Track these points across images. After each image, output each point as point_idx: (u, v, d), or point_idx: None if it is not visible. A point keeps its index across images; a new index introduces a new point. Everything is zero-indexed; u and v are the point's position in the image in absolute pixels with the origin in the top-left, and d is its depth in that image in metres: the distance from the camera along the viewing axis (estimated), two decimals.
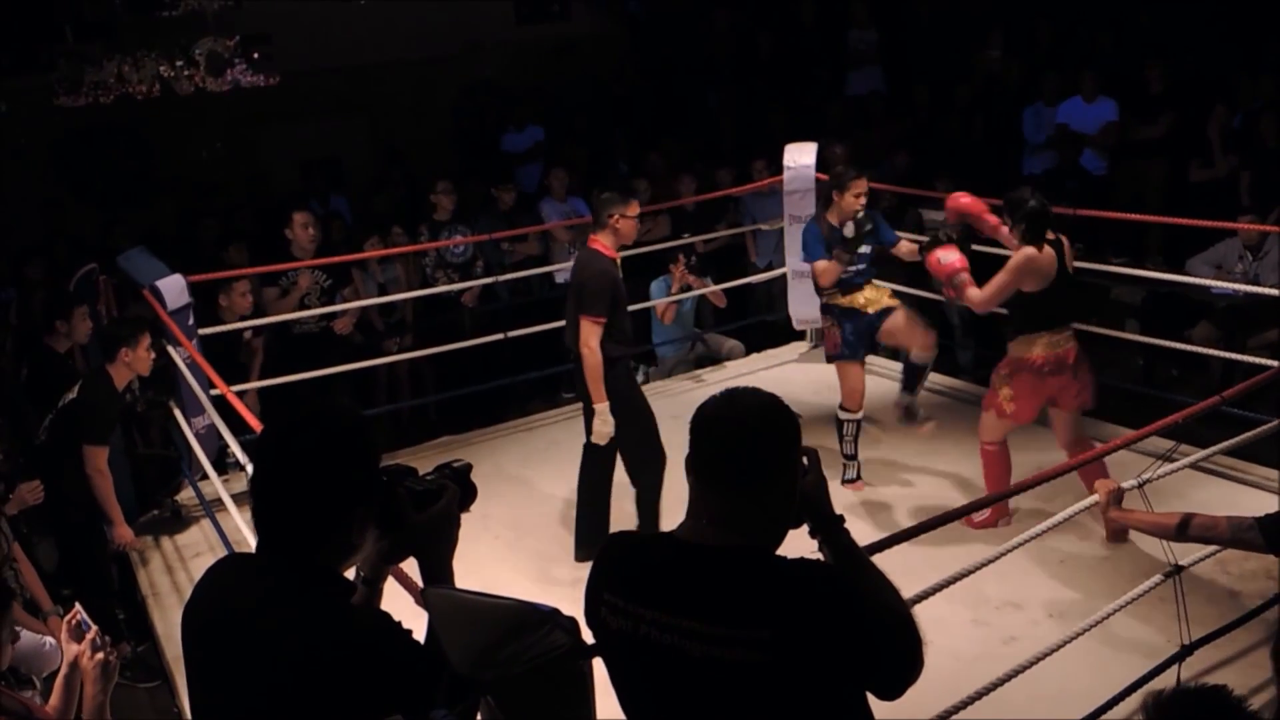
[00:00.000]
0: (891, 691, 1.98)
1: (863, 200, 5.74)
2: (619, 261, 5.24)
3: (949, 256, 5.25)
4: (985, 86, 9.65)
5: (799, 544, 2.10)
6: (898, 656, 1.97)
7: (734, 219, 8.64)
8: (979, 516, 5.21)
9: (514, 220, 8.36)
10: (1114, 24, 9.38)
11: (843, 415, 5.96)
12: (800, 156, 7.66)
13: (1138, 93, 8.48)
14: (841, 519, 2.13)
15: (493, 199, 8.52)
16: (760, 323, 8.66)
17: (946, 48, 10.26)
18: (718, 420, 2.02)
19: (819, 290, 5.92)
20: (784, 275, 7.93)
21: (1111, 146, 8.37)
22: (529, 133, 10.03)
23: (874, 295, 5.91)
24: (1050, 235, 5.02)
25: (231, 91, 8.94)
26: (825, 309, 5.96)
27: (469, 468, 2.14)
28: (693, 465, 2.03)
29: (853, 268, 5.78)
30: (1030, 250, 4.95)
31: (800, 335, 8.18)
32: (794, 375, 7.58)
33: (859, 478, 6.00)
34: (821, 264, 5.73)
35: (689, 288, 7.64)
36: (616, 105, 11.18)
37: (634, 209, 5.18)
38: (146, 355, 5.51)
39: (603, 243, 5.14)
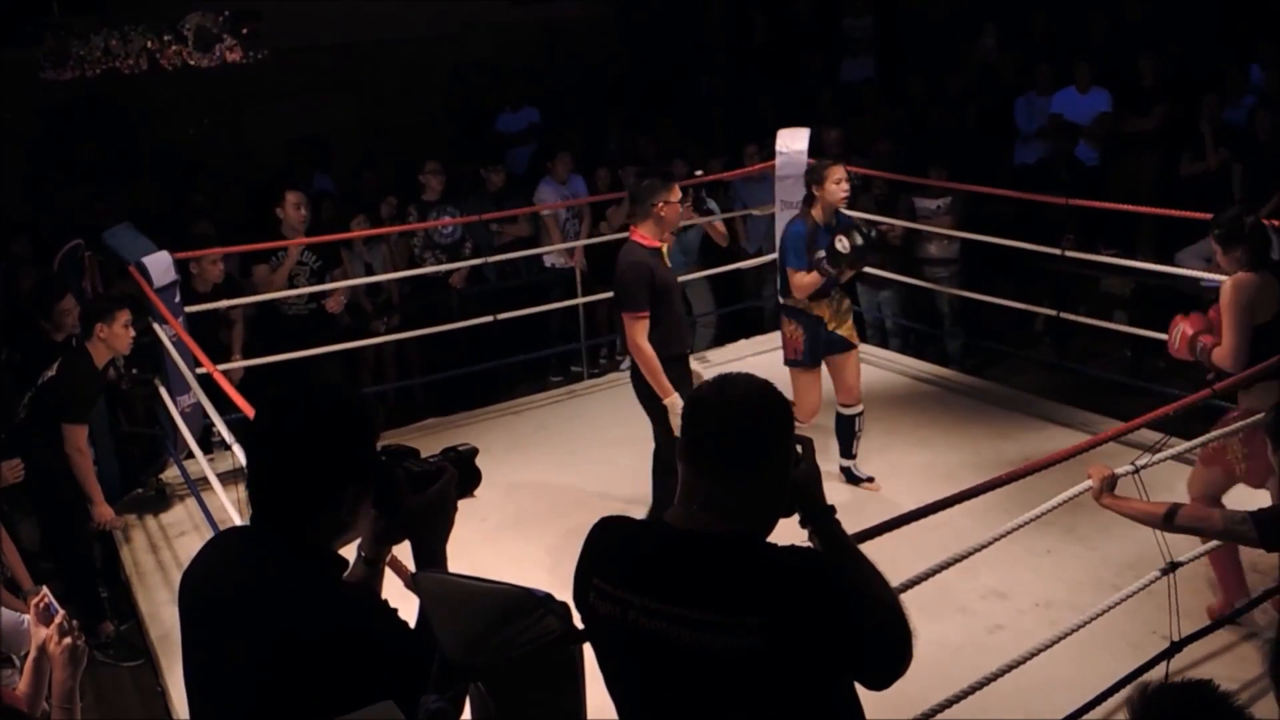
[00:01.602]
0: (880, 683, 1.97)
1: (845, 187, 5.61)
2: (665, 250, 5.02)
3: (1181, 329, 4.67)
4: (979, 75, 9.64)
5: (789, 533, 2.08)
6: (887, 648, 1.96)
7: (724, 204, 8.62)
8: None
9: (503, 202, 8.31)
10: (1107, 15, 9.38)
11: None
12: (793, 142, 7.64)
13: (1131, 85, 8.48)
14: (833, 509, 2.13)
15: (482, 180, 8.48)
16: (750, 308, 8.65)
17: (941, 36, 10.24)
18: (709, 405, 2.00)
19: (784, 293, 5.72)
20: (774, 261, 7.90)
21: (1104, 137, 8.37)
22: (524, 114, 9.97)
23: (840, 314, 5.76)
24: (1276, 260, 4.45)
25: (219, 68, 8.86)
26: (789, 311, 5.76)
27: (474, 452, 2.11)
28: (683, 450, 2.01)
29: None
30: (1240, 276, 4.37)
31: None
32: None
33: None
34: (801, 277, 5.51)
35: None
36: (608, 88, 11.13)
37: (676, 194, 4.97)
38: (124, 332, 5.44)
39: (643, 233, 4.92)
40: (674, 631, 1.88)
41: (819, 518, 2.12)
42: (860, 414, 5.88)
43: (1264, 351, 4.30)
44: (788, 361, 5.79)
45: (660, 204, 4.88)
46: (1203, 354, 4.54)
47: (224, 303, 6.60)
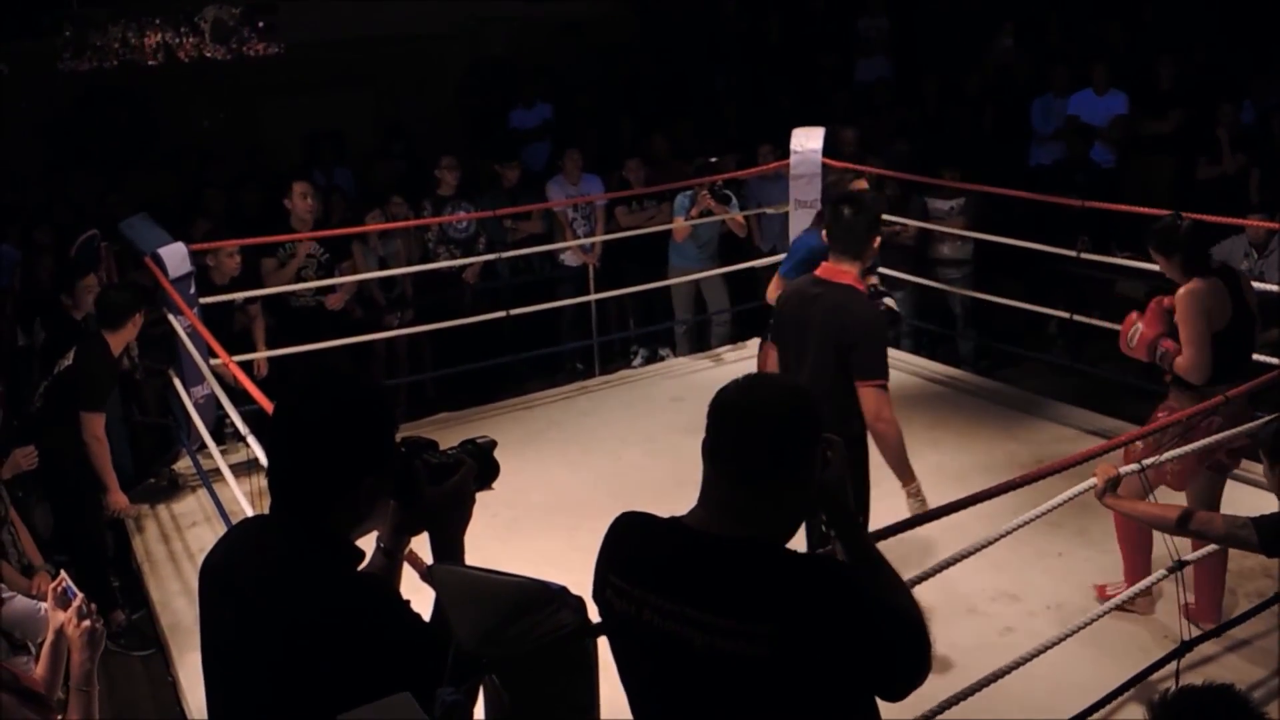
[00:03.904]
0: (895, 694, 1.95)
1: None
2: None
3: (1139, 329, 4.46)
4: (996, 77, 9.62)
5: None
6: (903, 660, 1.93)
7: (739, 203, 8.61)
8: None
9: (518, 198, 8.32)
10: (1124, 17, 9.35)
11: None
12: (807, 141, 7.63)
13: (1147, 87, 8.45)
14: (858, 515, 2.09)
15: (497, 176, 8.48)
16: (763, 307, 8.63)
17: (957, 37, 10.23)
18: (734, 407, 1.96)
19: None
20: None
21: (1120, 140, 8.35)
22: (538, 110, 9.97)
23: None
24: (1217, 263, 4.43)
25: (235, 61, 8.88)
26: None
27: (493, 445, 2.11)
28: (706, 451, 1.99)
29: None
30: (1193, 285, 4.25)
31: None
32: None
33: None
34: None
35: (709, 213, 7.67)
36: (622, 86, 11.13)
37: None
38: (141, 320, 5.54)
39: (855, 275, 3.93)
40: (687, 633, 1.87)
41: (843, 524, 2.08)
42: None
43: (1217, 359, 4.24)
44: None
45: (877, 237, 4.02)
46: (1164, 360, 4.39)
47: (238, 294, 6.61)
